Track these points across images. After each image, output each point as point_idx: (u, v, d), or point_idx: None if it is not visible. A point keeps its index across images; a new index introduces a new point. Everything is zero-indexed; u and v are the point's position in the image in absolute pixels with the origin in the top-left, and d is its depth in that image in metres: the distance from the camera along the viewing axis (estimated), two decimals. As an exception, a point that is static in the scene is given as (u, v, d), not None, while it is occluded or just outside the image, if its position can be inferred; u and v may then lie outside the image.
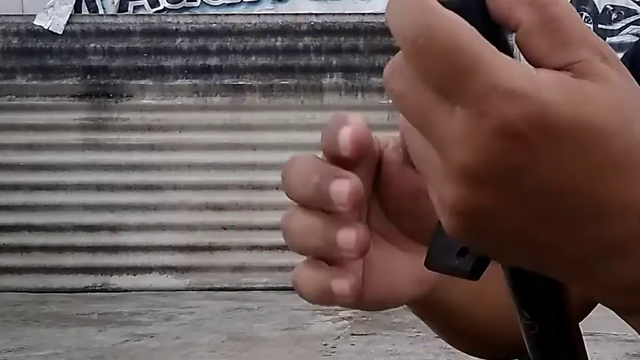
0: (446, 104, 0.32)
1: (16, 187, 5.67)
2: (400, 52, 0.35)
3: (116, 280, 5.61)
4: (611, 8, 5.88)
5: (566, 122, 0.31)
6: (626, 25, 5.92)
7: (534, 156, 0.32)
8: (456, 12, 0.32)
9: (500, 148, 0.31)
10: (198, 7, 5.94)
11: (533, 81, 0.31)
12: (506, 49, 0.33)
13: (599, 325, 2.59)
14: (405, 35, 0.33)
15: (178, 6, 5.94)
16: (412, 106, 0.35)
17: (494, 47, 0.32)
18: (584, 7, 5.88)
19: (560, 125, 0.31)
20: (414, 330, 4.20)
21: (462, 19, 0.32)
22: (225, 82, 5.74)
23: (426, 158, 0.35)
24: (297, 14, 5.79)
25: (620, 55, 0.42)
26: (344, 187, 0.41)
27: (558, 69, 0.32)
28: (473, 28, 0.32)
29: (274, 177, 5.66)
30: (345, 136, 0.43)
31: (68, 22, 5.75)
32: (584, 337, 0.44)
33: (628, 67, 0.37)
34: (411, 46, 0.33)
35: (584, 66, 0.32)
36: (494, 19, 0.33)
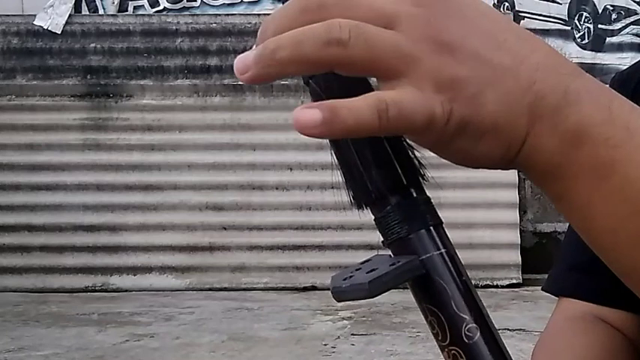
0: None
1: (16, 187, 5.67)
2: None
3: (116, 280, 5.61)
4: (611, 8, 5.88)
5: None
6: (626, 25, 5.92)
7: None
8: None
9: None
10: (198, 7, 5.94)
11: None
12: None
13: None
14: None
15: (178, 6, 5.94)
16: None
17: None
18: (584, 7, 5.88)
19: None
20: (414, 330, 4.20)
21: None
22: (225, 82, 5.74)
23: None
24: (297, 14, 5.79)
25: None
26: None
27: None
28: None
29: (274, 177, 5.67)
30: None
31: (68, 22, 5.75)
32: None
33: (616, 88, 0.43)
34: None
35: None
36: None
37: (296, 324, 4.46)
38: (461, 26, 0.41)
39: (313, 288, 5.52)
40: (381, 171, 0.44)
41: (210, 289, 5.51)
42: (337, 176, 0.46)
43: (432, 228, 0.44)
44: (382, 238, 0.45)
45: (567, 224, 0.79)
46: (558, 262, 0.88)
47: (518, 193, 5.62)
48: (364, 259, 0.46)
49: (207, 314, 4.75)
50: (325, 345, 4.01)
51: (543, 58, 0.42)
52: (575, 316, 0.82)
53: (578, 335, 0.80)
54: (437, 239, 0.44)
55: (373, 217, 0.45)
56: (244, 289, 5.51)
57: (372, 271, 0.43)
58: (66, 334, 4.30)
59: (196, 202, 5.67)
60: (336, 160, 0.45)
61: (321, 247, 5.60)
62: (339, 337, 4.15)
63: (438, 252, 0.44)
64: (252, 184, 5.68)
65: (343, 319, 4.56)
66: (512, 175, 5.56)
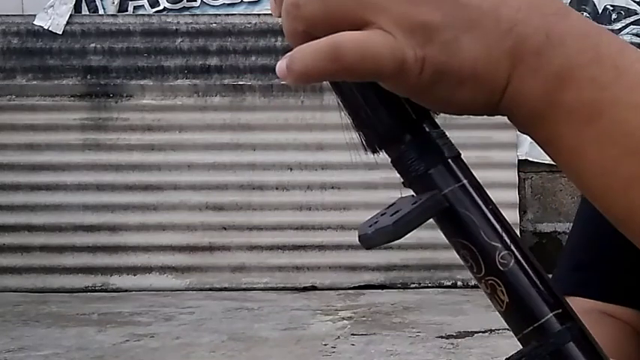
0: None
1: (16, 187, 5.67)
2: None
3: (116, 280, 5.61)
4: (611, 8, 5.88)
5: None
6: (626, 25, 5.92)
7: None
8: None
9: None
10: (198, 7, 5.94)
11: None
12: None
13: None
14: None
15: (178, 6, 5.94)
16: None
17: None
18: (584, 7, 5.88)
19: None
20: (414, 330, 4.20)
21: None
22: (225, 82, 5.74)
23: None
24: (297, 14, 5.79)
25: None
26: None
27: None
28: None
29: (274, 177, 5.67)
30: None
31: (68, 22, 5.75)
32: None
33: None
34: None
35: None
36: None
37: (296, 324, 4.46)
38: None
39: (313, 288, 5.52)
40: (388, 110, 0.44)
41: (210, 289, 5.51)
42: (347, 123, 0.47)
43: (450, 161, 0.44)
44: (402, 180, 0.45)
45: (568, 224, 0.79)
46: (562, 262, 0.88)
47: (518, 193, 5.62)
48: (388, 205, 0.46)
49: (207, 314, 4.75)
50: (325, 345, 4.01)
51: None
52: (581, 312, 0.83)
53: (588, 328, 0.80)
54: (457, 171, 0.44)
55: (390, 160, 0.45)
56: (244, 289, 5.51)
57: (395, 212, 0.43)
58: (66, 334, 4.29)
59: (196, 202, 5.67)
60: (342, 107, 0.45)
61: (321, 247, 5.60)
62: (339, 337, 4.15)
63: (460, 184, 0.43)
64: (252, 184, 5.68)
65: (343, 319, 4.56)
66: (512, 175, 5.56)
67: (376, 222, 0.44)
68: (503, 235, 0.44)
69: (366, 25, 0.40)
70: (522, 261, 0.44)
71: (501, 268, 0.43)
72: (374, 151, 0.45)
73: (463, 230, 0.44)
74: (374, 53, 0.39)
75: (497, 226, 0.44)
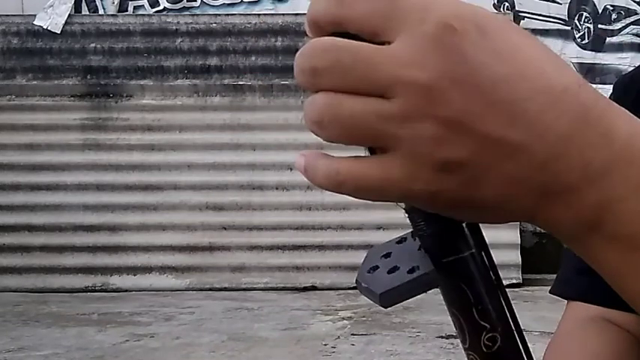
0: (384, 41, 0.36)
1: (16, 187, 5.67)
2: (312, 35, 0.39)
3: (116, 280, 5.61)
4: (611, 8, 5.88)
5: (495, 21, 0.37)
6: (626, 25, 5.92)
7: (476, 47, 0.36)
8: None
9: (445, 45, 0.35)
10: (198, 7, 5.94)
11: None
12: None
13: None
14: None
15: (178, 6, 5.94)
16: (349, 63, 0.37)
17: None
18: (584, 7, 5.88)
19: (490, 21, 0.37)
20: (414, 330, 4.20)
21: None
22: (225, 82, 5.74)
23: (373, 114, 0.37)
24: (297, 14, 5.79)
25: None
26: None
27: None
28: None
29: (274, 177, 5.67)
30: None
31: (68, 22, 5.75)
32: None
33: (620, 93, 0.40)
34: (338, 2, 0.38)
35: None
36: None
37: (296, 324, 4.46)
38: (470, 97, 0.36)
39: (313, 288, 5.52)
40: None
41: (210, 289, 5.51)
42: None
43: (462, 227, 0.42)
44: (414, 225, 0.44)
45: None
46: (565, 264, 0.88)
47: (518, 193, 5.62)
48: (401, 235, 0.45)
49: (207, 314, 4.75)
50: (325, 345, 4.00)
51: (567, 126, 0.37)
52: (586, 318, 0.82)
53: (591, 336, 0.80)
54: (468, 239, 0.42)
55: (403, 209, 0.44)
56: (244, 289, 5.51)
57: (393, 270, 0.42)
58: (66, 334, 4.29)
59: (196, 202, 5.67)
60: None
61: (321, 247, 5.60)
62: (339, 337, 4.15)
63: (463, 255, 0.42)
64: (252, 184, 5.68)
65: (343, 319, 4.56)
66: (512, 175, 5.57)
67: (376, 269, 0.43)
68: (494, 317, 0.43)
69: (381, 150, 0.38)
70: (509, 347, 0.43)
71: (484, 349, 0.43)
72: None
73: (456, 302, 0.43)
74: (369, 187, 0.38)
75: (491, 308, 0.43)
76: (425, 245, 0.43)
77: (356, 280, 0.43)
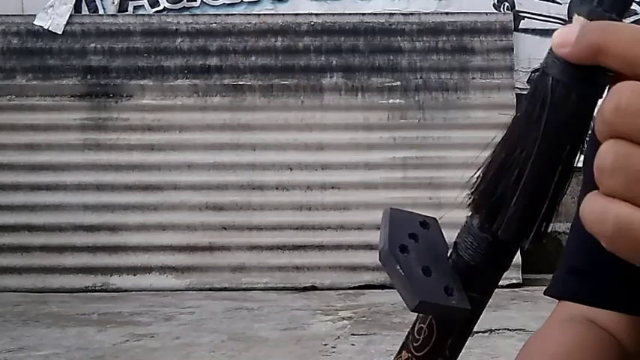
0: None
1: (16, 187, 5.67)
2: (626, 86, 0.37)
3: (116, 280, 5.61)
4: (611, 8, 5.87)
5: None
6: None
7: None
8: None
9: None
10: (198, 7, 5.94)
11: None
12: None
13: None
14: None
15: (178, 6, 5.94)
16: None
17: None
18: (584, 7, 5.88)
19: None
20: (414, 330, 4.19)
21: None
22: (225, 82, 5.74)
23: None
24: (297, 14, 5.79)
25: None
26: None
27: None
28: None
29: (274, 177, 5.67)
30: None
31: (68, 22, 5.75)
32: None
33: None
34: None
35: None
36: None
37: (296, 324, 4.45)
38: None
39: (313, 288, 5.52)
40: (523, 205, 0.41)
41: (210, 289, 5.51)
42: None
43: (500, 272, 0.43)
44: (461, 244, 0.44)
45: (567, 224, 0.79)
46: (560, 265, 0.89)
47: (518, 193, 5.61)
48: (423, 216, 0.45)
49: (207, 314, 4.75)
50: (325, 345, 4.00)
51: None
52: (568, 317, 0.83)
53: (555, 333, 0.81)
54: (492, 285, 0.44)
55: (466, 221, 0.44)
56: (244, 289, 5.51)
57: (427, 272, 0.42)
58: (66, 334, 4.29)
59: (196, 202, 5.67)
60: (497, 152, 0.43)
61: (321, 247, 5.60)
62: (339, 337, 4.15)
63: (482, 298, 0.43)
64: (252, 184, 5.68)
65: (343, 319, 4.56)
66: (512, 175, 5.56)
67: (405, 253, 0.42)
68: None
69: None
70: None
71: None
72: (473, 208, 0.44)
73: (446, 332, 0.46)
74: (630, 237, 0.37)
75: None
76: (461, 270, 0.43)
77: (384, 249, 0.42)
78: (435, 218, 0.47)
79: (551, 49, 0.40)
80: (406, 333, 0.46)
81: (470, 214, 0.44)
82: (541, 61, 0.42)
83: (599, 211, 0.37)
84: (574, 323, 0.81)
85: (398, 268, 0.41)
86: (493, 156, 0.43)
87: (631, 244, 0.37)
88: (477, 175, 0.43)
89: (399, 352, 0.45)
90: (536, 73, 0.42)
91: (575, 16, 0.40)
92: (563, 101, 0.40)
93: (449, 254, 0.44)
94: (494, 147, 0.43)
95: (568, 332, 0.80)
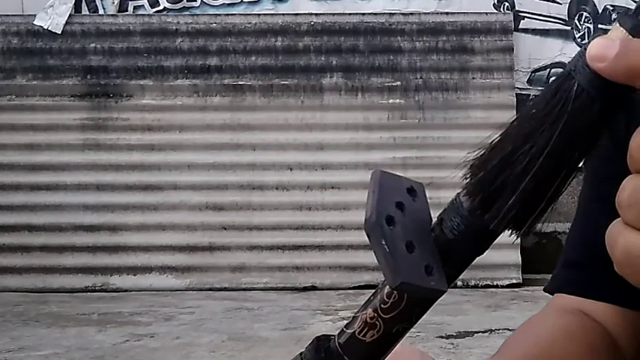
0: None
1: (16, 187, 5.67)
2: None
3: (116, 280, 5.61)
4: (611, 8, 5.88)
5: None
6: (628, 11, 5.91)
7: None
8: None
9: None
10: (198, 7, 5.94)
11: None
12: None
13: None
14: None
15: (178, 6, 5.94)
16: None
17: None
18: (584, 7, 5.88)
19: None
20: (414, 330, 4.18)
21: None
22: (225, 82, 5.74)
23: None
24: (297, 14, 5.79)
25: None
26: None
27: None
28: None
29: (274, 177, 5.67)
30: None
31: (68, 22, 5.75)
32: None
33: None
34: None
35: None
36: None
37: (296, 324, 4.45)
38: None
39: (313, 288, 5.52)
40: (523, 197, 0.42)
41: (210, 289, 5.51)
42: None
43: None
44: (447, 222, 0.44)
45: (567, 224, 0.79)
46: (558, 263, 0.89)
47: (518, 193, 5.61)
48: (411, 182, 0.45)
49: (207, 314, 4.75)
50: (325, 345, 4.00)
51: None
52: (560, 307, 0.84)
53: (544, 320, 0.82)
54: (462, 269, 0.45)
55: (455, 198, 0.44)
56: (244, 289, 5.51)
57: (411, 247, 0.42)
58: (66, 334, 4.29)
59: (196, 202, 5.67)
60: (499, 142, 0.43)
61: (321, 247, 5.60)
62: (339, 337, 4.15)
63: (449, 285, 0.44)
64: (252, 184, 5.68)
65: (343, 319, 4.56)
66: (512, 175, 5.56)
67: (391, 225, 0.43)
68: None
69: None
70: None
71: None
72: (471, 196, 0.44)
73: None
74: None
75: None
76: (442, 247, 0.43)
77: (370, 220, 0.42)
78: (421, 184, 0.47)
79: (582, 54, 0.40)
80: (375, 289, 0.46)
81: (462, 193, 0.43)
82: (569, 61, 0.42)
83: (612, 237, 0.39)
84: (566, 312, 0.82)
85: (383, 243, 0.41)
86: (498, 144, 0.43)
87: (636, 269, 0.39)
88: (476, 156, 0.43)
89: (364, 307, 0.46)
90: (562, 73, 0.41)
91: (617, 27, 0.40)
92: (584, 110, 0.40)
93: (432, 226, 0.45)
94: (499, 134, 0.43)
95: (557, 320, 0.81)
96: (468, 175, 0.43)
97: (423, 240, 0.43)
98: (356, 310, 0.47)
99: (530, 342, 0.78)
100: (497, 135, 0.43)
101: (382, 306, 0.46)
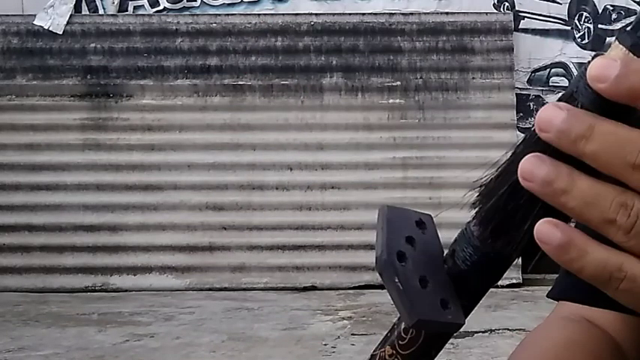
0: None
1: (16, 187, 5.67)
2: None
3: (116, 280, 5.61)
4: (611, 8, 5.88)
5: None
6: (626, 26, 5.92)
7: None
8: None
9: None
10: (198, 7, 5.94)
11: None
12: None
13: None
14: None
15: (178, 6, 5.94)
16: None
17: None
18: (584, 7, 5.88)
19: None
20: (414, 330, 4.19)
21: None
22: (225, 82, 5.74)
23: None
24: (297, 14, 5.79)
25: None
26: None
27: None
28: None
29: (274, 177, 5.67)
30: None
31: (68, 22, 5.75)
32: None
33: None
34: None
35: None
36: None
37: (296, 324, 4.45)
38: None
39: (313, 288, 5.52)
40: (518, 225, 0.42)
41: (210, 289, 5.51)
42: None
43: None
44: (459, 253, 0.44)
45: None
46: (561, 268, 0.89)
47: (518, 193, 5.61)
48: (419, 214, 0.45)
49: (207, 314, 4.75)
50: (325, 345, 4.00)
51: None
52: (565, 315, 0.83)
53: (549, 331, 0.81)
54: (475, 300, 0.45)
55: (466, 228, 0.44)
56: (244, 289, 5.51)
57: (424, 283, 0.42)
58: (66, 334, 4.29)
59: (196, 202, 5.67)
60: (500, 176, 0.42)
61: (321, 247, 5.60)
62: (339, 337, 4.15)
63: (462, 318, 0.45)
64: (252, 184, 5.68)
65: (343, 319, 4.56)
66: (512, 175, 5.56)
67: (403, 262, 0.42)
68: None
69: None
70: None
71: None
72: (483, 230, 0.43)
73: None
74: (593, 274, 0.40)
75: None
76: (456, 279, 0.43)
77: (381, 258, 0.41)
78: (430, 215, 0.46)
79: (583, 74, 0.40)
80: (391, 325, 0.46)
81: (472, 222, 0.43)
82: (571, 81, 0.41)
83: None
84: (570, 322, 0.82)
85: (396, 280, 0.41)
86: (507, 167, 0.42)
87: (630, 294, 0.40)
88: (485, 181, 0.43)
89: (382, 344, 0.45)
90: (565, 94, 0.41)
91: (617, 45, 0.39)
92: None
93: (445, 259, 0.44)
94: (506, 159, 0.43)
95: (562, 330, 0.81)
96: (477, 204, 0.43)
97: (436, 273, 0.43)
98: (373, 349, 0.46)
99: (537, 355, 0.78)
100: (504, 160, 0.43)
101: (400, 342, 0.45)
